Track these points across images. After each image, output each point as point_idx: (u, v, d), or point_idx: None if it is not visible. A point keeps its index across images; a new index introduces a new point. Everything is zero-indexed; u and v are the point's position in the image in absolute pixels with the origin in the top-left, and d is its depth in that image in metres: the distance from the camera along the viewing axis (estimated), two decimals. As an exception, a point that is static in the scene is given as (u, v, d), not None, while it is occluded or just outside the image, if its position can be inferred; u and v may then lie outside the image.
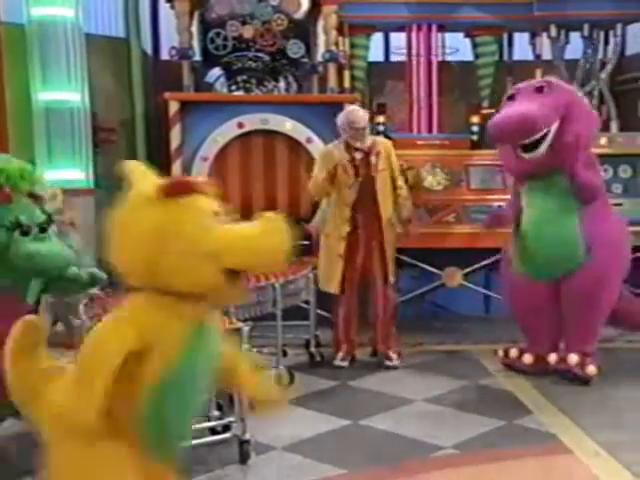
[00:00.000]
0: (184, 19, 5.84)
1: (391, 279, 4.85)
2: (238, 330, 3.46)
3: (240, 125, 5.66)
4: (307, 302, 4.96)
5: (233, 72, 6.00)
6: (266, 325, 4.40)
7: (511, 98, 4.42)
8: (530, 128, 4.20)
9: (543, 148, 4.28)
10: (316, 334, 5.01)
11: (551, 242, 4.42)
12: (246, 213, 6.16)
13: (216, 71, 6.17)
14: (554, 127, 4.26)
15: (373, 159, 4.75)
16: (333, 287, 4.81)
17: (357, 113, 4.74)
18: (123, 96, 6.34)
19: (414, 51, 6.36)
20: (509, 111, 4.28)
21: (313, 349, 4.96)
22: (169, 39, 6.33)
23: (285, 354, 4.78)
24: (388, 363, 4.83)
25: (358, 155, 4.75)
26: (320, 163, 4.81)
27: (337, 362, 4.85)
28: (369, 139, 4.79)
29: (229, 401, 3.64)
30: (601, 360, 4.50)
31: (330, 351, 4.94)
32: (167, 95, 5.64)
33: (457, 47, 6.57)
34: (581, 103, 4.50)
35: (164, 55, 6.59)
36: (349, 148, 4.75)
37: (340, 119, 4.78)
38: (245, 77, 5.97)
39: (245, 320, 3.83)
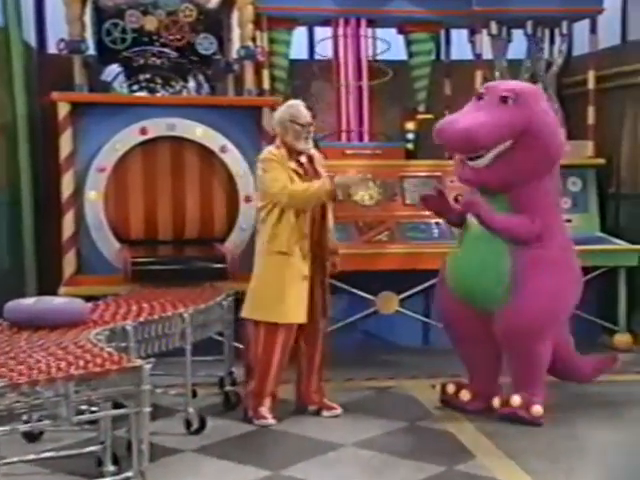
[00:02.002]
0: (75, 7, 5.76)
1: (329, 313, 4.73)
2: (138, 368, 3.37)
3: (143, 131, 5.60)
4: (221, 334, 4.91)
5: (134, 70, 5.94)
6: (173, 362, 4.34)
7: (480, 97, 4.48)
8: (471, 146, 4.34)
9: (483, 161, 4.37)
10: (232, 371, 4.96)
11: (475, 269, 4.50)
12: (151, 233, 6.10)
13: (114, 68, 6.09)
14: (502, 146, 4.34)
15: (319, 166, 4.66)
16: (300, 317, 4.50)
17: (300, 107, 4.59)
18: (1, 96, 6.15)
19: (341, 48, 6.43)
20: (459, 119, 4.36)
21: (228, 388, 4.91)
22: (57, 30, 6.22)
23: (195, 395, 4.69)
24: (333, 413, 4.69)
25: (303, 159, 4.59)
26: (279, 166, 4.47)
27: (266, 421, 4.51)
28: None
29: (127, 451, 3.55)
30: (555, 395, 4.60)
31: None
32: (55, 95, 5.54)
33: (389, 44, 6.66)
34: (545, 125, 4.43)
35: (51, 48, 6.47)
36: (292, 153, 4.54)
37: (279, 115, 4.60)
38: (148, 76, 5.92)
39: (147, 357, 3.75)
